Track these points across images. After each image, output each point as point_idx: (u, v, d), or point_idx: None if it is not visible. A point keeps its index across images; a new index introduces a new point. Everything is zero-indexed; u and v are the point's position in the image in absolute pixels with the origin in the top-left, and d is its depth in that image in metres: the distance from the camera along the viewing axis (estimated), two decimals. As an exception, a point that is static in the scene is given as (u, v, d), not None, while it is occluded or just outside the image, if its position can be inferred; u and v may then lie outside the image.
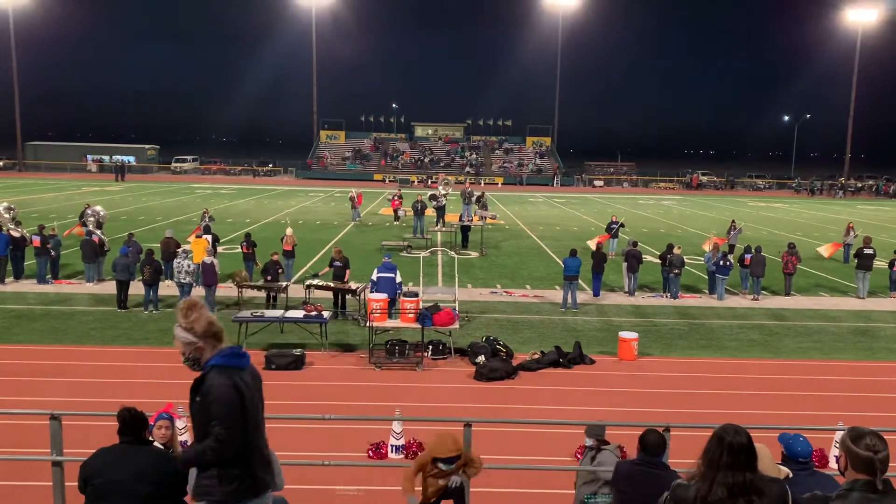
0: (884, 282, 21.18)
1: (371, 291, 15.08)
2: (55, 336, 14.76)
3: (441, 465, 6.44)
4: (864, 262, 20.40)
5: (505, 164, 73.54)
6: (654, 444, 5.11)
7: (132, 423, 4.59)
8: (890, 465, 3.29)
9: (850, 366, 14.17)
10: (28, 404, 10.67)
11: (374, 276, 15.72)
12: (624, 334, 14.35)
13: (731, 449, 3.30)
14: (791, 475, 4.53)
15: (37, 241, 19.42)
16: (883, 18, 71.99)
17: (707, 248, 21.35)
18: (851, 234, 26.38)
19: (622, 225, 26.97)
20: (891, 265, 20.68)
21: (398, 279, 15.79)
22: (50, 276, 19.72)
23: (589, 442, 6.69)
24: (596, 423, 6.82)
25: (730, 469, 3.28)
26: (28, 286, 19.19)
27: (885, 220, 43.65)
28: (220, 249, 21.96)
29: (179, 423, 8.26)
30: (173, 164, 74.34)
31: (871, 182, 73.45)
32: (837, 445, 4.20)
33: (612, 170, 77.90)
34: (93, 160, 71.69)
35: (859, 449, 3.19)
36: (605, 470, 6.36)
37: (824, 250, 24.92)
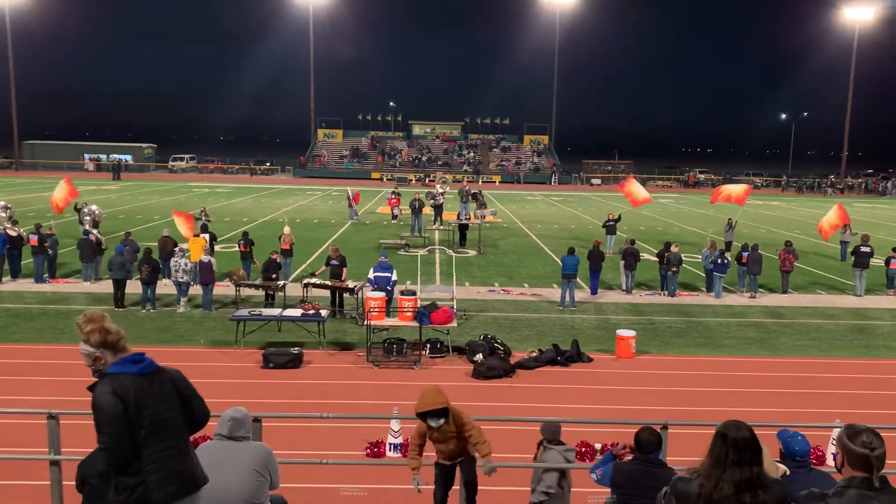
0: (881, 279, 21.22)
1: (372, 290, 15.08)
2: (53, 335, 14.74)
3: (430, 422, 6.33)
4: (861, 259, 20.43)
5: (503, 163, 73.56)
6: (647, 441, 5.12)
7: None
8: (887, 462, 3.30)
9: (848, 363, 14.20)
10: (26, 403, 10.66)
11: (371, 276, 15.76)
12: (622, 332, 14.37)
13: (736, 445, 3.30)
14: (788, 473, 4.55)
15: (34, 239, 19.38)
16: (879, 17, 72.16)
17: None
18: (848, 231, 26.41)
19: (618, 219, 27.04)
20: (887, 263, 20.72)
21: (394, 278, 15.81)
22: (47, 275, 19.69)
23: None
24: (550, 421, 6.83)
25: (737, 466, 3.28)
26: (25, 285, 19.17)
27: (882, 217, 43.73)
28: (217, 248, 21.94)
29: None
30: (170, 163, 74.23)
31: (860, 179, 73.58)
32: (835, 443, 4.21)
33: (609, 168, 77.94)
34: (90, 159, 71.64)
35: (856, 446, 3.20)
36: (547, 467, 6.42)
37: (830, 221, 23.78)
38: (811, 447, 5.38)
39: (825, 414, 10.83)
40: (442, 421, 6.34)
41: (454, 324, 14.30)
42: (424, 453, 6.67)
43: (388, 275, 15.68)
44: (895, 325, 17.35)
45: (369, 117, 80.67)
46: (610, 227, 26.59)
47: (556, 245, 27.66)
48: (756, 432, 3.42)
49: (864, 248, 20.50)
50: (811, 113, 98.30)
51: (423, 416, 6.38)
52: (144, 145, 77.84)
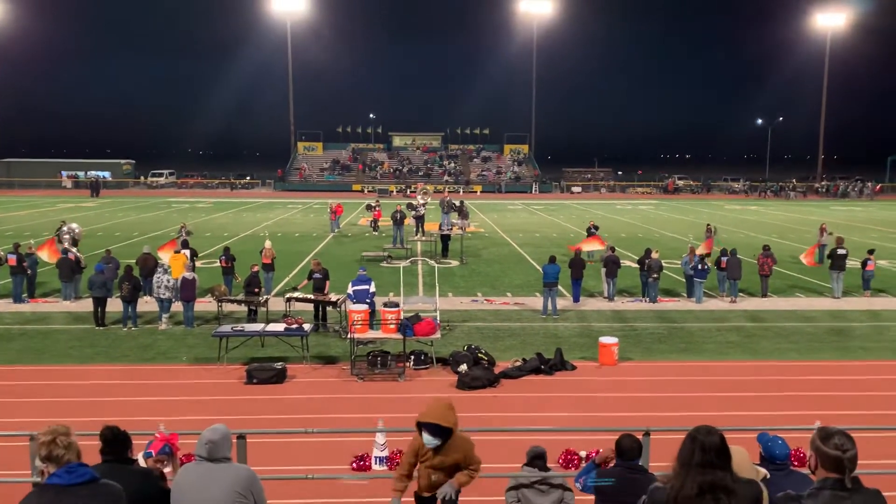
0: (857, 281, 21.50)
1: (353, 304, 15.03)
2: (33, 356, 14.59)
3: (424, 435, 5.61)
4: (838, 262, 20.70)
5: (483, 173, 73.79)
6: (628, 448, 5.18)
7: (114, 442, 4.56)
8: (865, 462, 3.38)
9: (827, 365, 14.39)
10: (7, 426, 10.54)
11: (350, 290, 15.66)
12: (604, 339, 14.46)
13: (703, 448, 3.37)
14: (769, 476, 4.62)
15: (13, 259, 19.17)
16: (850, 23, 73.53)
17: (702, 251, 21.28)
18: (824, 235, 26.75)
19: (597, 228, 27.20)
20: (863, 265, 21.02)
21: (372, 290, 15.70)
22: (26, 294, 19.48)
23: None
24: (535, 446, 6.80)
25: (701, 467, 3.35)
26: (4, 305, 18.94)
27: (858, 220, 44.33)
28: (198, 264, 21.80)
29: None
30: (149, 179, 73.63)
31: (822, 183, 74.57)
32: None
33: (589, 176, 78.49)
34: (67, 176, 70.94)
35: (828, 448, 3.28)
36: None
37: (805, 259, 23.93)
38: (792, 449, 5.46)
39: (806, 416, 10.96)
40: (436, 442, 5.60)
41: (438, 335, 14.32)
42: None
43: (366, 287, 15.61)
44: (872, 327, 17.60)
45: (349, 129, 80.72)
46: (591, 234, 26.73)
47: (538, 254, 27.78)
48: (739, 436, 3.49)
49: (840, 251, 20.78)
50: (787, 118, 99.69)
51: (420, 427, 5.69)
52: (123, 161, 77.06)
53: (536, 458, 6.73)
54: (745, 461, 4.30)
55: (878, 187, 69.40)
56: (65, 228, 22.32)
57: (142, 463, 5.24)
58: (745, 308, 19.29)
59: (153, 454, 5.42)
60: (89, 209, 47.86)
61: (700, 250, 20.88)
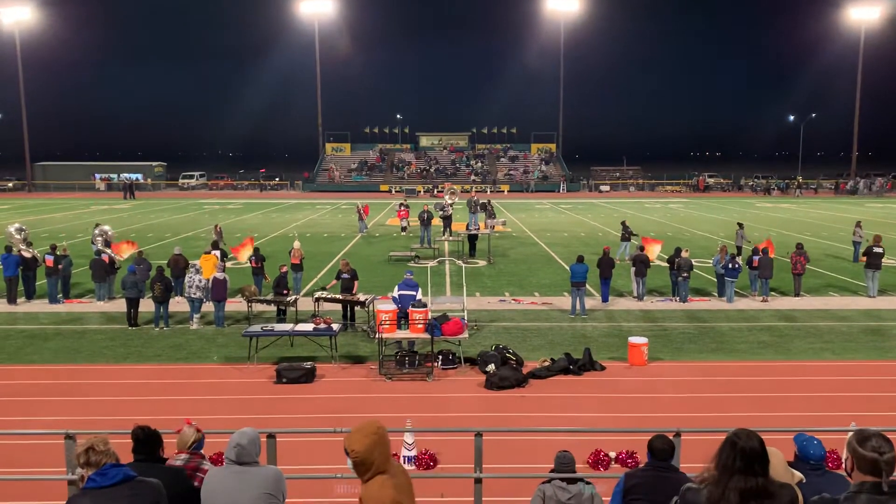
0: (893, 280, 21.06)
1: (397, 307, 14.79)
2: (68, 355, 14.85)
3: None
4: (874, 260, 20.30)
5: (510, 172, 73.61)
6: (660, 449, 5.12)
7: (146, 442, 4.62)
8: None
9: (862, 365, 14.11)
10: (42, 424, 10.76)
11: (396, 293, 15.43)
12: (634, 339, 14.34)
13: (744, 454, 3.30)
14: (804, 479, 4.54)
15: (50, 260, 19.49)
16: (885, 16, 72.04)
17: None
18: (859, 232, 26.24)
19: (633, 233, 26.74)
20: (900, 263, 20.58)
21: (418, 296, 15.16)
22: (61, 295, 19.83)
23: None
24: (561, 452, 6.66)
25: (742, 474, 3.28)
26: (40, 306, 19.32)
27: (893, 217, 43.41)
28: (228, 264, 22.04)
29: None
30: (180, 181, 74.66)
31: (832, 181, 73.10)
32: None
33: (617, 174, 77.88)
34: (101, 178, 72.16)
35: (865, 451, 3.21)
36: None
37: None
38: (827, 451, 5.36)
39: (840, 417, 10.77)
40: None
41: (465, 335, 14.31)
42: None
43: (413, 293, 15.12)
44: (910, 326, 17.23)
45: (377, 130, 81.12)
46: (624, 235, 26.49)
47: (566, 253, 27.63)
48: (771, 437, 3.43)
49: (876, 249, 20.37)
50: (820, 114, 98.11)
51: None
52: (154, 164, 78.21)
53: (564, 463, 6.63)
54: (780, 464, 4.23)
55: (889, 184, 67.95)
56: (97, 231, 22.68)
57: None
58: (777, 307, 19.00)
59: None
60: (122, 211, 48.65)
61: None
